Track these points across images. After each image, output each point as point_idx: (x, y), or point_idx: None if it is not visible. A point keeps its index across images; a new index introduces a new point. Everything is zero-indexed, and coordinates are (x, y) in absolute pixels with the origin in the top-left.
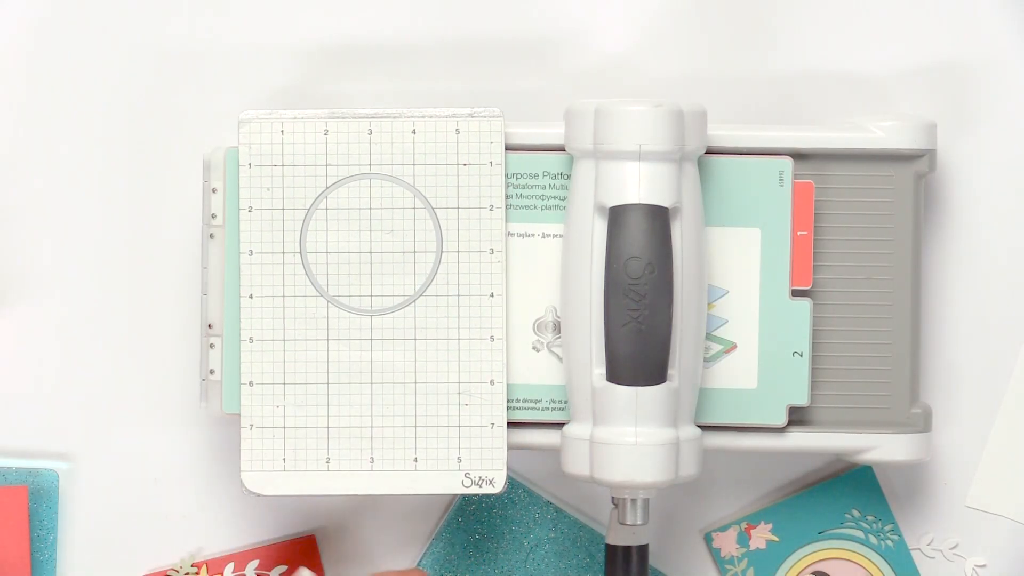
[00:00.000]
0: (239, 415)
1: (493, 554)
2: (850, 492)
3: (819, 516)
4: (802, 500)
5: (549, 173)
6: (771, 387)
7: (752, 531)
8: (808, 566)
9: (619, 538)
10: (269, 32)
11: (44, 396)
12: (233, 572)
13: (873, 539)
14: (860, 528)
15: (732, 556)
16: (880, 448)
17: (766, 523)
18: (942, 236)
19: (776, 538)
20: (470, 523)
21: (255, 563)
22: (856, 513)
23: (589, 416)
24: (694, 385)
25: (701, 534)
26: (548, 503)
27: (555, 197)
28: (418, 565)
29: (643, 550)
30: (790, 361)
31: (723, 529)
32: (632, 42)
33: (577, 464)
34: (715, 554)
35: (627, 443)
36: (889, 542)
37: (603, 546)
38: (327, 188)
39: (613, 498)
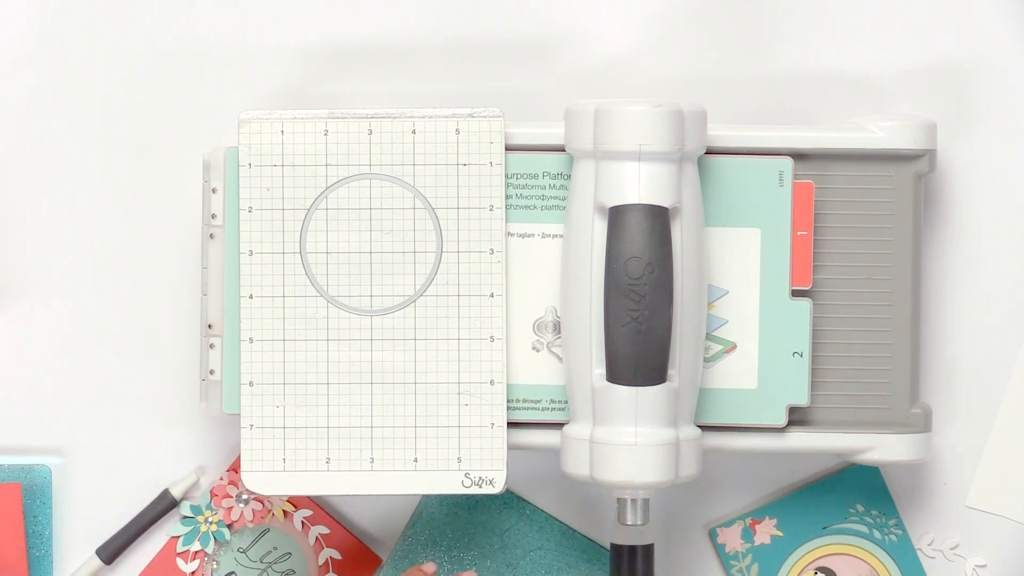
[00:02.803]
0: (239, 415)
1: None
2: (854, 487)
3: (823, 511)
4: (806, 495)
5: (549, 173)
6: (771, 387)
7: (756, 526)
8: (812, 562)
9: (624, 537)
10: (269, 32)
11: (42, 395)
12: None
13: (877, 534)
14: (864, 523)
15: (737, 552)
16: (880, 448)
17: (770, 518)
18: (942, 236)
19: (780, 533)
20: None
21: None
22: (860, 508)
23: (589, 416)
24: (694, 385)
25: (705, 530)
26: (548, 517)
27: (555, 197)
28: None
29: (648, 549)
30: (790, 361)
31: (728, 525)
32: (632, 42)
33: (577, 464)
34: (720, 550)
35: (627, 443)
36: (893, 537)
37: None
38: (327, 188)
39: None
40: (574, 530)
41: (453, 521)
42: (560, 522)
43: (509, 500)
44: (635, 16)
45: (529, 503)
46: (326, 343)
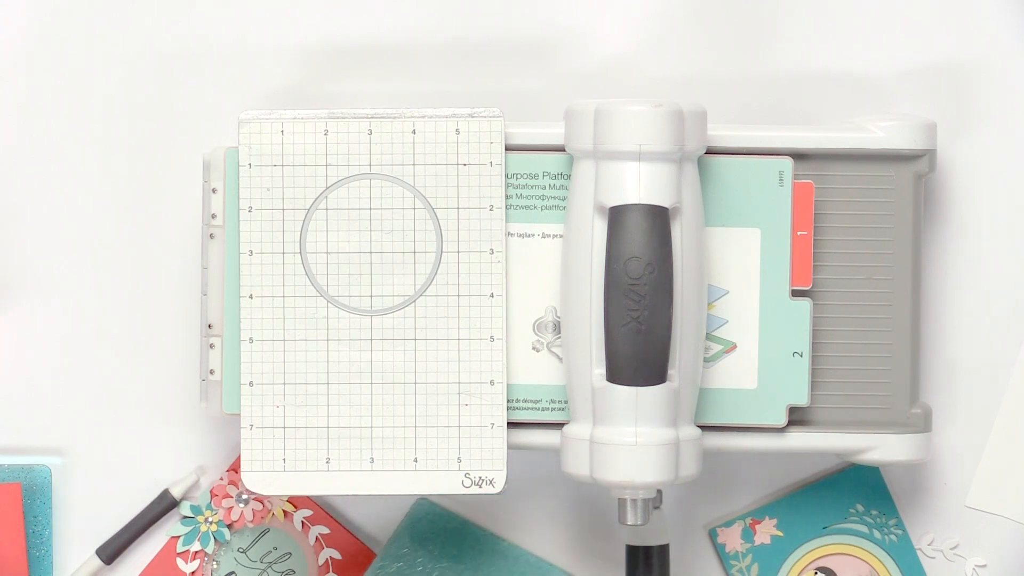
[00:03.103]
0: (239, 415)
1: None
2: (854, 487)
3: (823, 511)
4: (806, 495)
5: (549, 173)
6: (771, 387)
7: (757, 526)
8: (812, 562)
9: (638, 538)
10: (269, 32)
11: (42, 395)
12: None
13: (877, 534)
14: (864, 523)
15: (737, 552)
16: (880, 448)
17: (770, 518)
18: (942, 236)
19: (780, 533)
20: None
21: None
22: (860, 508)
23: (589, 416)
24: (694, 385)
25: (705, 530)
26: (524, 552)
27: (555, 197)
28: None
29: (664, 550)
30: (790, 361)
31: (728, 525)
32: (632, 42)
33: (577, 464)
34: (720, 549)
35: (627, 443)
36: (893, 536)
37: None
38: (327, 188)
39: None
40: (550, 564)
41: (425, 557)
42: (536, 556)
43: (483, 536)
44: (635, 16)
45: (503, 539)
46: (326, 343)
